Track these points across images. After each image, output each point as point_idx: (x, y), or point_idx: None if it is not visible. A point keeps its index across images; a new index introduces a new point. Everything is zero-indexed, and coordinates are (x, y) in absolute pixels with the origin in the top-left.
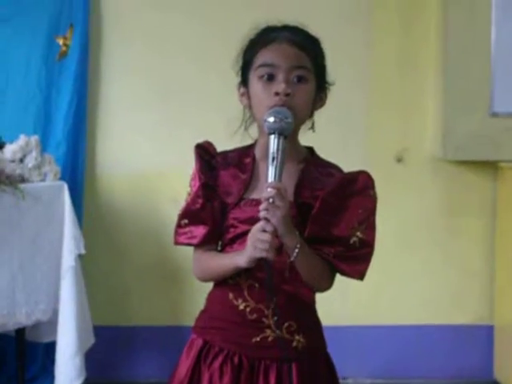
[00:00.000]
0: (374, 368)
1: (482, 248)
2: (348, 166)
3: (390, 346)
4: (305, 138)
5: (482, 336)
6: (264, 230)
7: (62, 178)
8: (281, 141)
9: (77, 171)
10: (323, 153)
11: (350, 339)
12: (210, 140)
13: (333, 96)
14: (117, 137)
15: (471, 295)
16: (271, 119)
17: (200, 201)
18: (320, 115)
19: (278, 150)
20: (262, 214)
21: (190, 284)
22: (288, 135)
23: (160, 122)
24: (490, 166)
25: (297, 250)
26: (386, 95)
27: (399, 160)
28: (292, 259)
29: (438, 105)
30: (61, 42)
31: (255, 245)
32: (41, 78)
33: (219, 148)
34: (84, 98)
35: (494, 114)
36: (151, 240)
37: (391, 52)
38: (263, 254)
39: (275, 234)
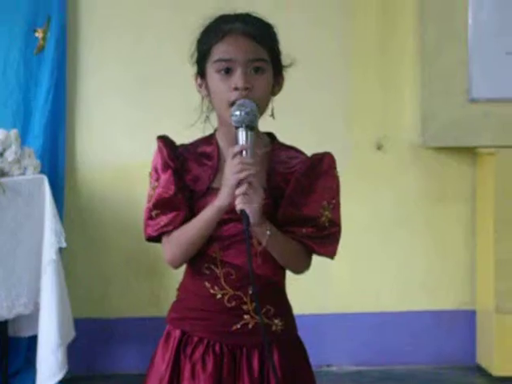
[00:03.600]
0: (358, 355)
1: (462, 234)
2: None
3: (373, 333)
4: (283, 126)
5: (465, 321)
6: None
7: (42, 171)
8: (249, 133)
9: (57, 164)
10: (304, 141)
11: (334, 327)
12: (191, 131)
13: (313, 88)
14: (96, 129)
15: (453, 281)
16: (237, 113)
17: (172, 187)
18: (301, 104)
19: (247, 142)
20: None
21: (170, 275)
22: (255, 127)
23: (139, 114)
24: (468, 152)
25: (267, 237)
26: (365, 84)
27: (379, 147)
28: (264, 245)
29: (417, 92)
30: (39, 35)
31: (234, 171)
32: (19, 72)
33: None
34: (62, 90)
35: (473, 100)
36: (131, 232)
37: (370, 40)
38: (244, 174)
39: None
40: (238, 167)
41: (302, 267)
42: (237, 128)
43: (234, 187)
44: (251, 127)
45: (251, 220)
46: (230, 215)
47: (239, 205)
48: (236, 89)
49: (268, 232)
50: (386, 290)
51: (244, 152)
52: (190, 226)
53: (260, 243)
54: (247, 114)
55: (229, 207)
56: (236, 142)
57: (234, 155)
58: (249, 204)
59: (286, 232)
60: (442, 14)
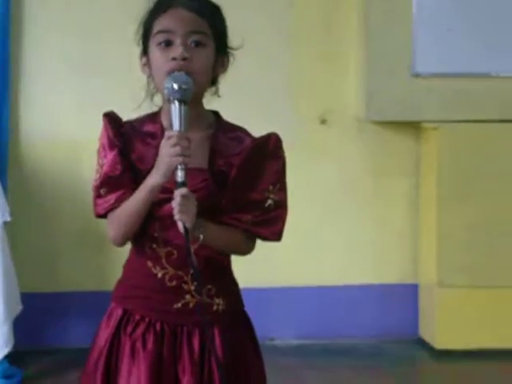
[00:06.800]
0: (301, 329)
1: (406, 208)
2: (273, 129)
3: (317, 307)
4: (225, 103)
5: (407, 295)
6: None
7: None
8: (182, 107)
9: (1, 138)
10: (247, 117)
11: (276, 300)
12: (135, 111)
13: (255, 64)
14: (41, 103)
15: (396, 255)
16: (170, 85)
17: (119, 167)
18: (244, 79)
19: (180, 116)
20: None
21: (119, 249)
22: (188, 101)
23: (85, 88)
24: (412, 127)
25: (201, 237)
26: (309, 58)
27: (323, 122)
28: (199, 243)
29: (361, 66)
30: None
31: (169, 154)
32: None
33: None
34: (6, 65)
35: (416, 75)
36: (79, 206)
37: (313, 15)
38: (180, 160)
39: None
40: (175, 150)
41: (243, 252)
42: (169, 101)
43: (171, 169)
44: (184, 101)
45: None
46: (169, 195)
47: (176, 215)
48: (174, 59)
49: (201, 236)
50: (329, 263)
51: (177, 125)
52: (128, 205)
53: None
54: (180, 87)
55: (166, 186)
56: (170, 115)
57: (169, 137)
58: (185, 214)
59: (231, 219)
60: None
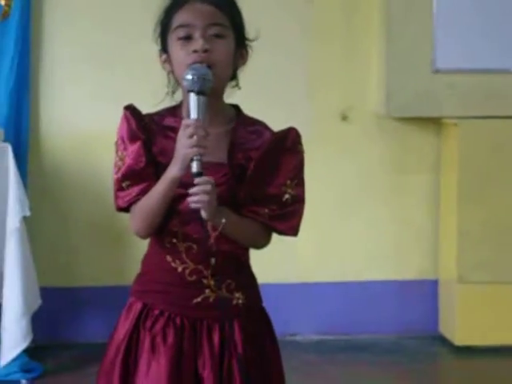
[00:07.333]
0: (322, 324)
1: (426, 204)
2: (294, 124)
3: (338, 303)
4: (248, 98)
5: (427, 291)
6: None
7: (6, 140)
8: (200, 97)
9: (21, 132)
10: (267, 111)
11: (298, 296)
12: (153, 105)
13: (277, 59)
14: (60, 97)
15: (416, 251)
16: (189, 76)
17: (143, 159)
18: (265, 76)
19: (198, 106)
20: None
21: (136, 244)
22: (207, 92)
23: (104, 81)
24: (433, 123)
25: (221, 227)
26: (330, 54)
27: (344, 118)
28: (219, 231)
29: (382, 62)
30: (4, 2)
31: (185, 146)
32: None
33: None
34: (26, 58)
35: (437, 71)
36: (96, 200)
37: (334, 10)
38: (195, 151)
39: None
40: (190, 141)
41: (260, 245)
42: (188, 92)
43: (187, 160)
44: (203, 92)
45: (204, 217)
46: (187, 190)
47: (192, 204)
48: (195, 51)
49: (223, 220)
50: (349, 259)
51: (194, 115)
52: (149, 198)
53: (216, 229)
54: (198, 77)
55: (185, 181)
56: (188, 107)
57: (186, 126)
58: (202, 204)
59: (248, 212)
60: None
